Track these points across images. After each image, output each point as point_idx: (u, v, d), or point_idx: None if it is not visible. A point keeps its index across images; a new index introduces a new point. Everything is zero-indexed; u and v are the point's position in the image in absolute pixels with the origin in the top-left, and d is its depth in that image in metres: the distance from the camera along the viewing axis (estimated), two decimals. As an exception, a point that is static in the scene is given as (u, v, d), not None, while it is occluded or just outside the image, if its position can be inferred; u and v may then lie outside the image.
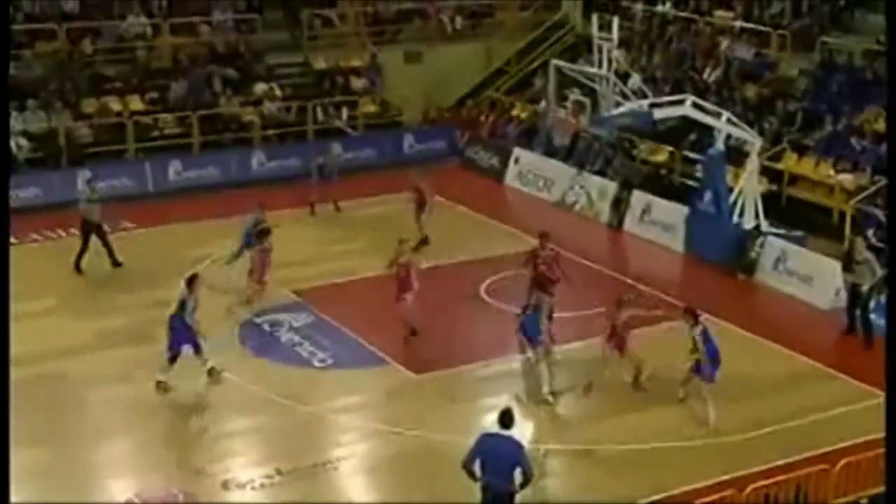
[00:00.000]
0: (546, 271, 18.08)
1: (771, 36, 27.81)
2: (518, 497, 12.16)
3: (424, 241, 22.27)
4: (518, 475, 12.03)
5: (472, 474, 12.14)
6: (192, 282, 16.88)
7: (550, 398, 16.31)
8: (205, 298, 19.66)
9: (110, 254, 21.38)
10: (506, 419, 12.28)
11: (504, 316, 19.61)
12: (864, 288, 18.70)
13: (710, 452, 15.00)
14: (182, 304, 16.70)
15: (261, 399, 16.49)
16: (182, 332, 16.68)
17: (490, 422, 16.02)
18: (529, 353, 16.47)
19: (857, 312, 18.82)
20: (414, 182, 22.59)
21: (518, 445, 12.20)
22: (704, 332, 15.76)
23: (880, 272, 18.67)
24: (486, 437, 12.32)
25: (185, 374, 16.75)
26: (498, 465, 12.00)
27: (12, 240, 22.65)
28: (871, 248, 19.37)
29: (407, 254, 18.47)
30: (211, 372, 17.00)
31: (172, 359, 16.72)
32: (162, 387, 16.64)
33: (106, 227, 21.54)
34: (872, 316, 18.66)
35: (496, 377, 17.60)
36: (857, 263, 18.87)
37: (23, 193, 24.68)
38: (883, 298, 18.67)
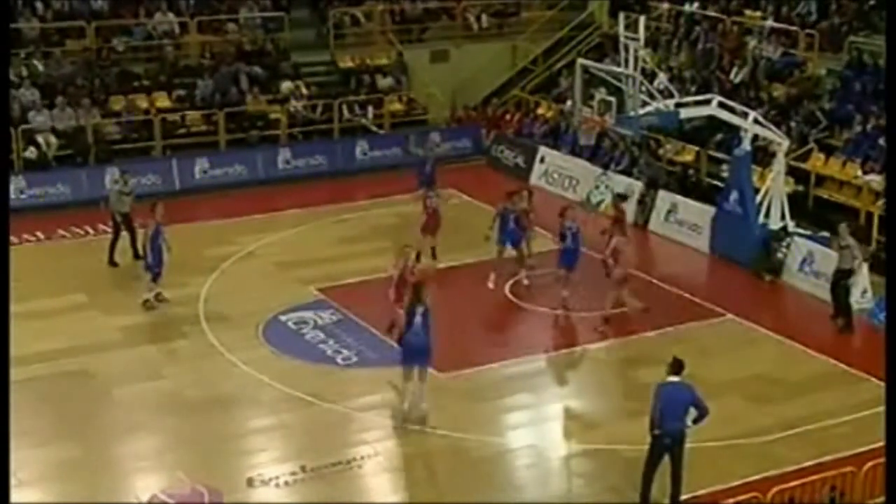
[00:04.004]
0: None
1: (798, 35, 27.68)
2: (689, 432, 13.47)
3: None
4: (692, 412, 13.28)
5: (658, 426, 13.36)
6: (154, 207, 19.57)
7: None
8: (231, 295, 19.94)
9: (133, 244, 21.48)
10: (675, 367, 13.38)
11: (529, 315, 19.67)
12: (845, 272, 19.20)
13: (735, 454, 14.95)
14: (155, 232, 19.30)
15: (285, 396, 16.55)
16: (155, 254, 19.30)
17: (515, 422, 16.28)
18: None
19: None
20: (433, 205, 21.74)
21: (690, 388, 13.37)
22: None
23: (859, 259, 19.19)
24: (662, 387, 13.41)
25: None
26: (676, 409, 13.28)
27: (41, 236, 22.92)
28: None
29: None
30: (146, 303, 19.39)
31: (154, 278, 19.46)
32: (159, 299, 19.46)
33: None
34: (852, 300, 19.34)
35: (521, 376, 17.61)
36: (840, 248, 19.27)
37: (51, 190, 24.91)
38: (851, 282, 19.33)
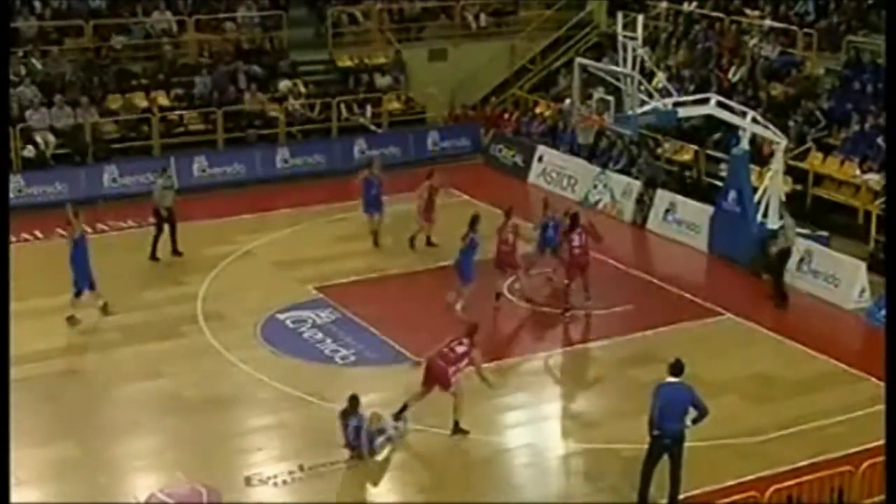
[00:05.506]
0: None
1: (797, 35, 27.69)
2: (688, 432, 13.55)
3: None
4: (692, 412, 13.32)
5: (657, 426, 13.38)
6: (76, 216, 19.04)
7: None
8: (229, 294, 19.93)
9: (174, 238, 21.79)
10: (676, 368, 13.41)
11: (527, 314, 19.66)
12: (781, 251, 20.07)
13: (734, 453, 14.96)
14: (78, 241, 18.90)
15: (284, 395, 16.55)
16: (82, 270, 18.72)
17: (513, 422, 16.28)
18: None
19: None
20: (437, 181, 22.36)
21: (690, 389, 13.38)
22: None
23: (791, 240, 20.02)
24: (661, 388, 13.42)
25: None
26: (674, 409, 13.33)
27: (39, 235, 22.90)
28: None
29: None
30: (105, 308, 18.96)
31: (78, 294, 18.78)
32: (73, 321, 18.61)
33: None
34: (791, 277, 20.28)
35: (519, 375, 17.61)
36: (782, 228, 20.16)
37: (49, 189, 24.89)
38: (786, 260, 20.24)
